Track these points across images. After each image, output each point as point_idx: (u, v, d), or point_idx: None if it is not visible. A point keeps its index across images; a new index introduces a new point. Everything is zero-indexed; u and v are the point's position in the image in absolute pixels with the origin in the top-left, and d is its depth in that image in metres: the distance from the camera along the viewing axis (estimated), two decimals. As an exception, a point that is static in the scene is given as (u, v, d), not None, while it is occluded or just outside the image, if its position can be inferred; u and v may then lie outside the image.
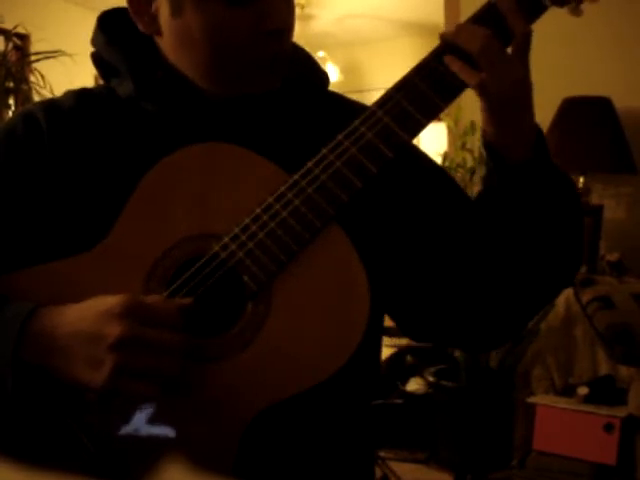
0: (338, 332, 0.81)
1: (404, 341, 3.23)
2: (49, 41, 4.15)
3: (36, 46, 4.28)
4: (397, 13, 6.04)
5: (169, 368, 0.77)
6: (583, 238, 0.93)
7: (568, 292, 2.44)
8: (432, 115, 0.85)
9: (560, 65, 2.85)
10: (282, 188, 0.83)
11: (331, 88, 1.01)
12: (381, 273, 0.90)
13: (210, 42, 0.86)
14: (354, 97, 1.03)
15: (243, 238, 0.82)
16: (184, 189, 0.84)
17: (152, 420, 0.80)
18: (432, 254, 0.93)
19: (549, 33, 1.82)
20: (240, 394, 0.81)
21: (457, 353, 2.84)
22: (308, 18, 6.08)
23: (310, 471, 0.89)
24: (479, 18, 0.85)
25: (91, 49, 0.96)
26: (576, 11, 0.89)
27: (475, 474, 2.72)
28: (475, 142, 3.00)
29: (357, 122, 0.84)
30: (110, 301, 0.77)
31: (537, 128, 0.89)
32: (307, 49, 1.01)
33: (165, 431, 0.80)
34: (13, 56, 4.03)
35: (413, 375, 3.22)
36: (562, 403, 2.39)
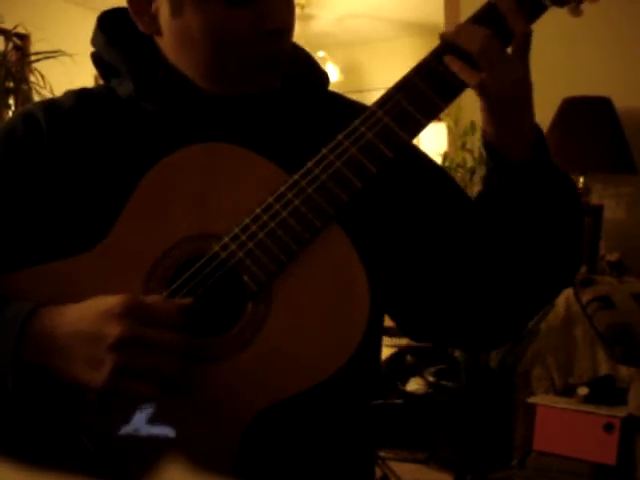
0: (338, 332, 0.81)
1: (404, 341, 3.23)
2: (49, 41, 4.15)
3: (36, 46, 4.28)
4: (397, 13, 6.04)
5: (169, 368, 0.77)
6: (583, 238, 0.93)
7: (568, 292, 2.44)
8: (432, 115, 0.85)
9: (560, 65, 2.85)
10: (282, 188, 0.83)
11: (331, 88, 1.01)
12: (381, 273, 0.90)
13: (210, 42, 0.86)
14: (354, 97, 1.03)
15: (243, 238, 0.82)
16: (184, 189, 0.84)
17: (152, 420, 0.80)
18: (432, 254, 0.93)
19: (549, 33, 1.82)
20: (240, 394, 0.81)
21: (457, 353, 2.84)
22: (308, 18, 6.08)
23: (310, 471, 0.89)
24: (479, 18, 0.85)
25: (91, 49, 0.96)
26: (576, 11, 0.89)
27: (475, 474, 2.72)
28: (475, 142, 3.00)
29: (357, 122, 0.84)
30: (110, 301, 0.77)
31: (537, 128, 0.89)
32: (307, 49, 1.01)
33: (165, 431, 0.80)
34: (13, 56, 4.03)
35: (413, 375, 3.22)
36: (562, 403, 2.39)
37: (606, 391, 2.34)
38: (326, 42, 6.53)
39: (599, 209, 2.74)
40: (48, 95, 3.53)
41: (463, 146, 3.19)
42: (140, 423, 0.80)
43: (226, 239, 0.82)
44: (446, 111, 0.88)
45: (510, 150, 0.87)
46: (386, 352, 3.28)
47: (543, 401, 2.44)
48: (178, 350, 0.78)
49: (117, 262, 0.84)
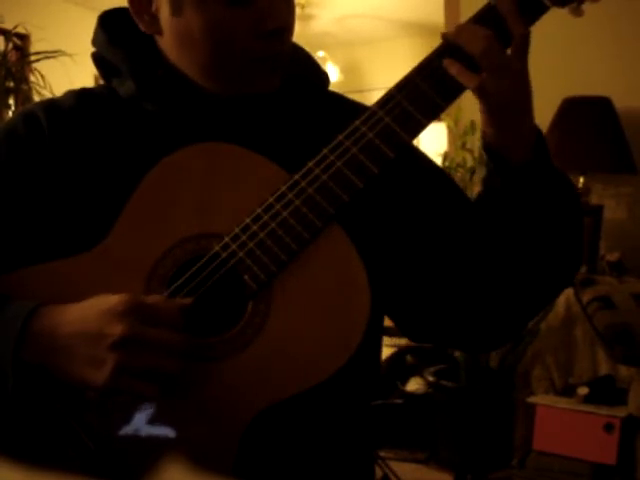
0: (338, 332, 0.81)
1: (404, 341, 3.23)
2: (49, 41, 4.15)
3: (36, 46, 4.27)
4: (397, 13, 6.04)
5: (169, 368, 0.77)
6: (583, 238, 0.93)
7: (568, 292, 2.44)
8: (433, 115, 0.85)
9: (560, 65, 2.85)
10: (283, 188, 0.83)
11: (331, 88, 1.01)
12: (381, 273, 0.90)
13: (210, 41, 0.86)
14: (354, 97, 1.03)
15: (244, 238, 0.82)
16: (185, 189, 0.85)
17: (152, 419, 0.80)
18: (432, 255, 0.93)
19: (549, 33, 1.82)
20: (240, 394, 0.81)
21: (457, 353, 2.84)
22: (308, 18, 6.08)
23: (310, 471, 0.89)
24: (479, 19, 0.85)
25: (91, 49, 0.96)
26: (577, 11, 0.89)
27: (475, 474, 2.72)
28: (475, 142, 3.00)
29: (358, 122, 0.84)
30: (111, 300, 0.77)
31: (537, 129, 0.89)
32: (307, 49, 1.01)
33: (165, 431, 0.80)
34: (13, 56, 4.02)
35: (413, 375, 3.22)
36: (562, 403, 2.39)
37: (606, 391, 2.34)
38: (326, 42, 6.53)
39: (599, 209, 2.74)
40: (48, 95, 3.53)
41: (463, 146, 3.19)
42: (140, 422, 0.80)
43: (227, 239, 0.82)
44: (446, 111, 0.88)
45: (510, 152, 0.87)
46: (386, 352, 3.28)
47: (543, 401, 2.44)
48: (179, 350, 0.78)
49: (118, 262, 0.84)
